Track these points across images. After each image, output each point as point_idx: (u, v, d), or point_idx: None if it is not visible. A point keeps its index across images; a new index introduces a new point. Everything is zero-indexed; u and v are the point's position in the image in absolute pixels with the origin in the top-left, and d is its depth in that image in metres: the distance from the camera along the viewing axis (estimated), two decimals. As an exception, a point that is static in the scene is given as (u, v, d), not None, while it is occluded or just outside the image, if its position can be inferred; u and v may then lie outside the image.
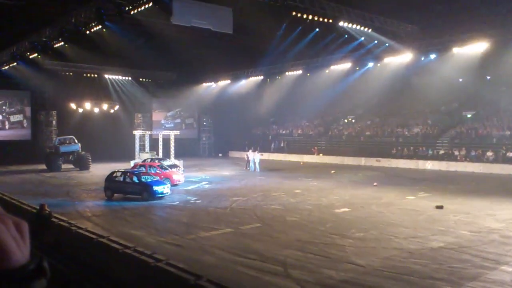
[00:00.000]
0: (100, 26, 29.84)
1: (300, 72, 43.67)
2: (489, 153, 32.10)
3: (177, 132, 35.90)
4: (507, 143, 32.38)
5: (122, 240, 8.85)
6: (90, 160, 33.99)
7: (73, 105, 42.45)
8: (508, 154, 31.27)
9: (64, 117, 41.59)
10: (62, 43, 33.05)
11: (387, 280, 8.86)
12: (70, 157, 34.04)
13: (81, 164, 33.85)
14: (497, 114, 36.26)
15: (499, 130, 34.34)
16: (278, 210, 16.82)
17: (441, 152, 35.38)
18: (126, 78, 46.65)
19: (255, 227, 13.79)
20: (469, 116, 38.54)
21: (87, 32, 31.19)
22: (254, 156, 32.67)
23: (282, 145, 48.04)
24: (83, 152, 34.31)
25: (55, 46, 33.74)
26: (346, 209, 16.80)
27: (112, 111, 44.78)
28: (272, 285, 8.65)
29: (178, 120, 52.34)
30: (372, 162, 37.35)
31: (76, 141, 35.06)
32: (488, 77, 38.20)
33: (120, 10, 26.90)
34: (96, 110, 43.75)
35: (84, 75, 43.74)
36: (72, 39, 33.23)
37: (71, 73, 42.68)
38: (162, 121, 50.57)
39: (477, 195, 20.35)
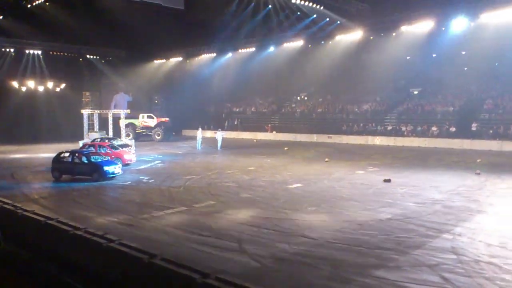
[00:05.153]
0: (42, 0, 28.30)
1: (253, 49, 43.50)
2: (434, 128, 33.59)
3: (128, 111, 34.96)
4: (451, 118, 33.98)
5: (72, 222, 8.60)
6: None
7: (15, 84, 40.27)
8: (451, 129, 32.86)
9: (5, 96, 39.43)
10: (1, 17, 31.13)
11: (338, 251, 9.17)
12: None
13: None
14: (441, 91, 37.82)
15: (443, 106, 35.91)
16: (232, 187, 16.89)
17: (389, 128, 36.65)
18: (72, 55, 44.60)
19: (209, 205, 13.80)
20: (415, 93, 39.99)
21: (29, 6, 29.52)
22: (216, 135, 33.41)
23: (235, 123, 48.01)
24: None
25: (-7, 20, 31.80)
26: (299, 185, 17.12)
27: (58, 89, 42.91)
28: (227, 260, 8.73)
29: (129, 99, 50.88)
30: (324, 138, 38.14)
31: None
32: (434, 55, 39.59)
33: (64, -17, 25.52)
34: (41, 88, 41.78)
35: (27, 51, 41.39)
36: (13, 13, 31.36)
37: (11, 50, 40.26)
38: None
39: (423, 168, 21.34)
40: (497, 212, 12.45)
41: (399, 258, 8.68)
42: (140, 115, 41.47)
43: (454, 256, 8.70)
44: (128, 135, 37.67)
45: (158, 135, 40.66)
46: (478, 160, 23.34)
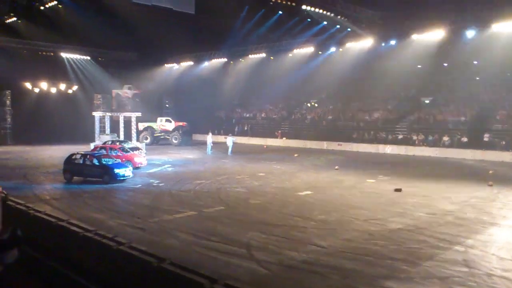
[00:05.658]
0: (55, 2, 28.60)
1: (263, 55, 43.62)
2: (445, 138, 33.30)
3: (139, 114, 35.14)
4: (462, 128, 33.67)
5: (83, 224, 8.62)
6: None
7: (28, 85, 40.73)
8: (462, 139, 32.54)
9: (18, 97, 39.93)
10: (15, 18, 31.51)
11: (347, 260, 9.08)
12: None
13: None
14: (453, 101, 37.53)
15: (454, 116, 35.61)
16: (242, 193, 16.87)
17: (400, 136, 36.43)
18: (85, 57, 45.07)
19: (218, 210, 13.78)
20: (427, 102, 39.71)
21: (41, 7, 29.81)
22: (227, 140, 33.41)
23: (245, 128, 48.04)
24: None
25: (6, 21, 32.14)
26: (309, 192, 17.04)
27: (70, 91, 43.35)
28: (235, 266, 8.69)
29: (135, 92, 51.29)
30: (334, 146, 38.00)
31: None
32: (445, 64, 39.36)
33: (77, -14, 25.84)
34: (53, 90, 42.24)
35: (40, 53, 41.86)
36: (26, 14, 31.68)
37: (25, 51, 40.74)
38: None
39: (434, 178, 21.12)
40: (510, 225, 12.28)
41: (409, 269, 8.57)
42: (158, 119, 41.27)
43: (466, 269, 8.57)
44: (146, 138, 37.81)
45: (176, 139, 40.29)
46: (491, 172, 23.04)
